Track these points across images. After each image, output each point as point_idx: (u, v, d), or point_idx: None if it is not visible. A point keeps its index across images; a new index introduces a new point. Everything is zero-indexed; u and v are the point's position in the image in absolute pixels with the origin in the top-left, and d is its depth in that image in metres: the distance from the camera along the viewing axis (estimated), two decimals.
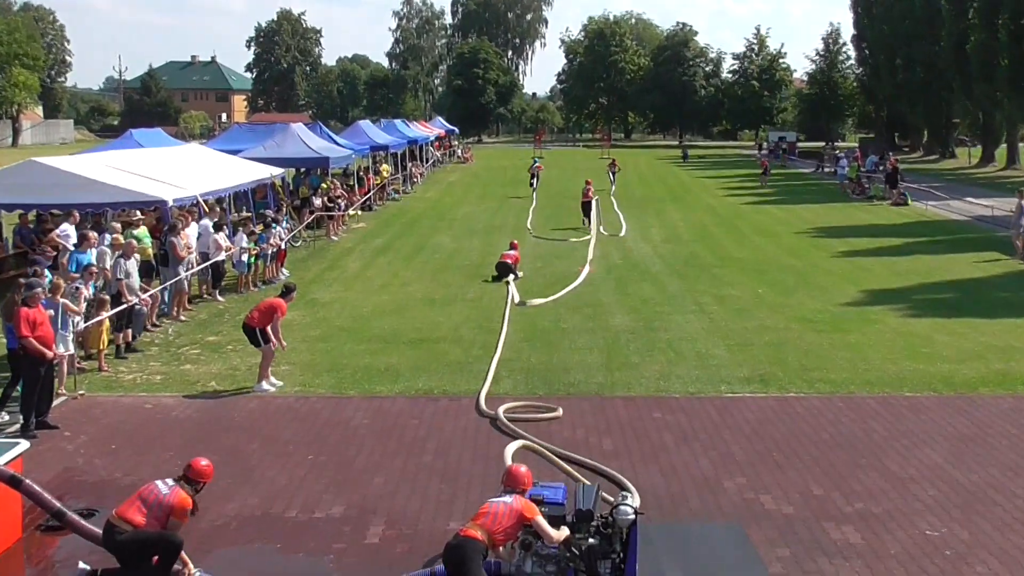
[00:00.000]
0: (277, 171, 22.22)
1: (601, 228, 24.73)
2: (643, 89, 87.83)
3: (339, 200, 24.82)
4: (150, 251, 14.63)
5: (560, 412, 9.70)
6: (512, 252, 18.18)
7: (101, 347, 11.57)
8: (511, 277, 17.43)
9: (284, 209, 21.04)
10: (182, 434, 9.22)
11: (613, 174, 40.56)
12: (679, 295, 16.26)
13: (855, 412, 9.84)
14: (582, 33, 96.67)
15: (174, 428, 9.41)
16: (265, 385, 10.74)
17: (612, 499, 7.17)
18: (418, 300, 15.89)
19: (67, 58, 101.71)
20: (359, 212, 27.80)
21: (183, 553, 6.12)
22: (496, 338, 12.91)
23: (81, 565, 6.13)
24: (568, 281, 17.42)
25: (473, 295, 16.32)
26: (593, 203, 25.99)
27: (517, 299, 15.67)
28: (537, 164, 40.49)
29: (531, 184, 38.07)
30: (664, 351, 12.36)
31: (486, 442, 8.92)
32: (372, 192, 30.50)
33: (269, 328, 10.67)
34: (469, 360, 11.89)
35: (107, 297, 11.98)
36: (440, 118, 67.27)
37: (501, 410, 9.68)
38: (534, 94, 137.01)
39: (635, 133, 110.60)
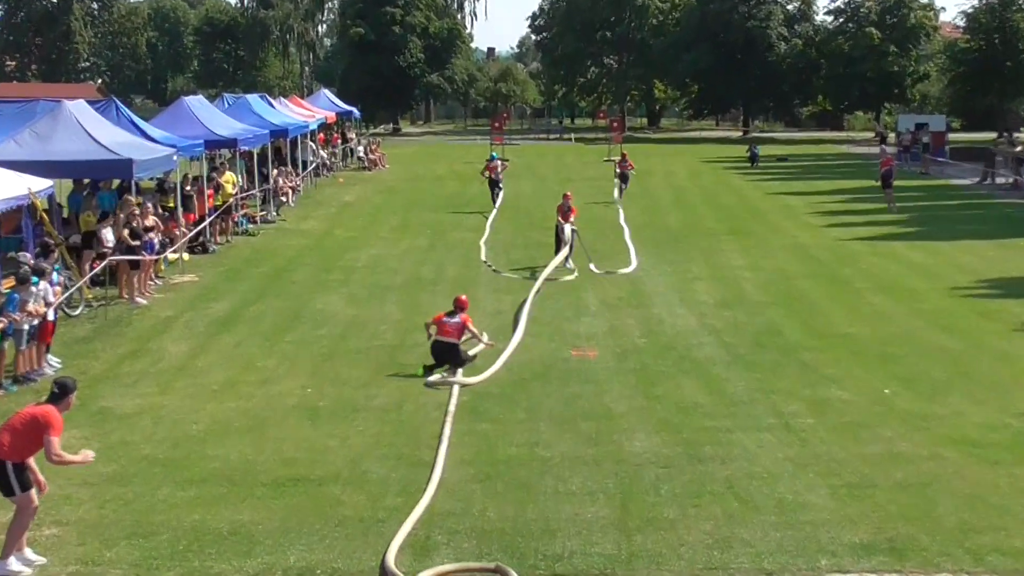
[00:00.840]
0: (40, 184, 22.20)
1: (592, 266, 26.84)
2: (679, 43, 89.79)
3: (150, 235, 24.85)
4: None
5: None
6: (455, 319, 18.31)
7: None
8: (450, 370, 17.60)
9: (53, 251, 20.99)
10: None
11: (622, 179, 41.70)
12: (745, 399, 16.45)
13: None
14: None
15: None
16: (15, 565, 10.62)
17: None
18: (289, 409, 15.88)
19: None
20: (185, 255, 27.81)
21: None
22: (426, 475, 12.98)
23: None
24: (555, 370, 17.60)
25: (386, 400, 16.37)
26: (570, 232, 27.41)
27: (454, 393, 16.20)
28: (497, 161, 41.18)
29: (492, 195, 39.32)
30: (720, 498, 12.50)
31: None
32: (209, 220, 30.60)
33: (30, 460, 10.63)
34: (379, 515, 11.91)
35: None
36: (327, 92, 68.01)
37: None
38: (491, 51, 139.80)
39: (667, 118, 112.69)
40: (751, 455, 13.87)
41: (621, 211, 36.92)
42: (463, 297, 19.10)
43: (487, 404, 16.11)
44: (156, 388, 17.08)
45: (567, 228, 27.44)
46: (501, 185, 40.41)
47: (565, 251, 26.86)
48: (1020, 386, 17.14)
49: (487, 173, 40.82)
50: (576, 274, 26.61)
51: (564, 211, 28.14)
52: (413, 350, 18.89)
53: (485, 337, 18.98)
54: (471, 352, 18.49)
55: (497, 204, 38.90)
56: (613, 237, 32.37)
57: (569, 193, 29.34)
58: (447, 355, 17.92)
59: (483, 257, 29.41)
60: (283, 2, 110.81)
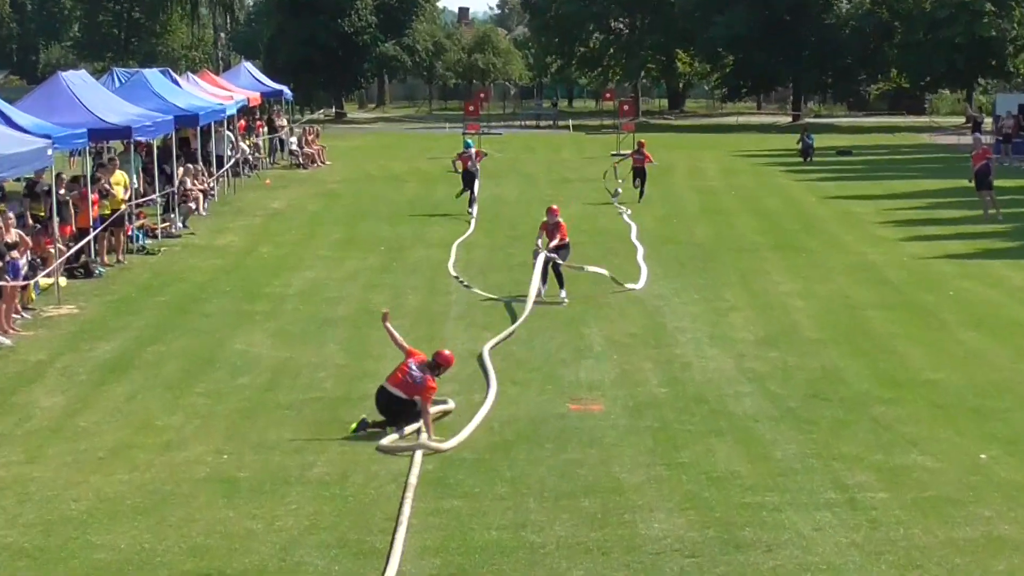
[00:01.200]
0: None
1: (589, 267, 27.90)
2: (710, 1, 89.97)
3: (14, 253, 24.77)
4: None
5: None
6: (421, 376, 17.95)
7: None
8: (406, 427, 17.58)
9: None
10: None
11: (640, 178, 42.49)
12: (798, 466, 16.44)
13: None
14: None
15: None
16: None
17: None
18: (200, 482, 15.82)
19: None
20: (63, 280, 27.69)
21: None
22: (379, 567, 12.95)
23: None
24: (547, 429, 17.58)
25: (325, 470, 16.32)
26: (543, 261, 27.08)
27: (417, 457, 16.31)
28: (472, 150, 41.43)
29: (467, 191, 40.19)
30: None
31: None
32: (94, 233, 30.48)
33: None
34: None
35: None
36: (250, 66, 68.05)
37: None
38: (464, 13, 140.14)
39: (693, 99, 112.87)
40: (805, 540, 13.86)
41: (633, 225, 36.94)
42: (447, 353, 18.68)
43: (459, 474, 16.06)
44: (23, 455, 16.95)
45: (541, 256, 26.99)
46: (478, 179, 40.67)
47: (536, 283, 26.50)
48: None
49: (458, 165, 41.00)
50: (567, 301, 26.67)
51: (550, 229, 27.63)
52: (361, 404, 18.77)
53: (445, 407, 18.70)
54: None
55: (472, 197, 39.26)
56: (623, 254, 32.40)
57: (556, 207, 28.55)
58: (396, 411, 17.83)
59: (452, 272, 29.84)
60: None
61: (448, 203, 41.56)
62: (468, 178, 40.52)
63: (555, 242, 27.37)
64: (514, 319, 24.89)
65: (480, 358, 21.70)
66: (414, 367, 18.03)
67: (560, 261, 27.29)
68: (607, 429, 18.05)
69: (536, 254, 27.20)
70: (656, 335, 24.19)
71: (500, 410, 18.91)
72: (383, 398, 17.93)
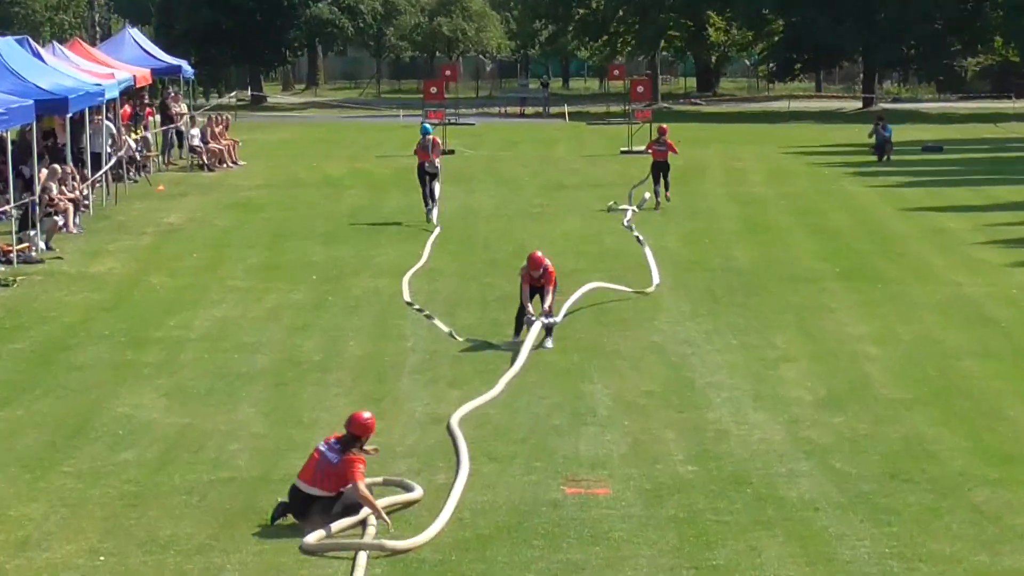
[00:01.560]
0: None
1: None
2: None
3: None
4: None
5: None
6: (336, 458, 17.93)
7: None
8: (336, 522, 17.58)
9: None
10: None
11: (663, 175, 44.15)
12: (871, 569, 16.47)
13: None
14: None
15: None
16: None
17: None
18: None
19: None
20: None
21: None
22: None
23: None
24: (536, 520, 17.57)
25: (236, 575, 16.34)
26: (541, 328, 27.03)
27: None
28: (431, 138, 41.86)
29: (425, 195, 41.21)
30: None
31: None
32: None
33: None
34: None
35: None
36: (136, 34, 68.06)
37: None
38: None
39: (730, 78, 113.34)
40: None
41: (647, 245, 37.04)
42: (364, 417, 18.52)
43: None
44: None
45: (537, 325, 26.87)
46: (440, 178, 40.88)
47: (531, 342, 26.39)
48: None
49: (424, 153, 41.36)
50: (551, 345, 26.79)
51: (535, 279, 27.46)
52: (285, 487, 18.70)
53: (408, 496, 18.68)
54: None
55: (432, 196, 39.71)
56: (637, 284, 32.43)
57: (539, 254, 27.98)
58: (310, 509, 17.80)
59: (407, 299, 30.45)
60: None
61: (402, 213, 41.69)
62: (423, 174, 40.71)
63: (548, 300, 27.18)
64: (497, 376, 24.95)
65: (448, 426, 21.66)
66: (325, 449, 18.05)
67: (558, 321, 27.56)
68: (616, 520, 18.05)
69: (530, 322, 26.95)
70: (681, 394, 24.22)
71: (473, 495, 18.92)
72: (298, 501, 17.89)
